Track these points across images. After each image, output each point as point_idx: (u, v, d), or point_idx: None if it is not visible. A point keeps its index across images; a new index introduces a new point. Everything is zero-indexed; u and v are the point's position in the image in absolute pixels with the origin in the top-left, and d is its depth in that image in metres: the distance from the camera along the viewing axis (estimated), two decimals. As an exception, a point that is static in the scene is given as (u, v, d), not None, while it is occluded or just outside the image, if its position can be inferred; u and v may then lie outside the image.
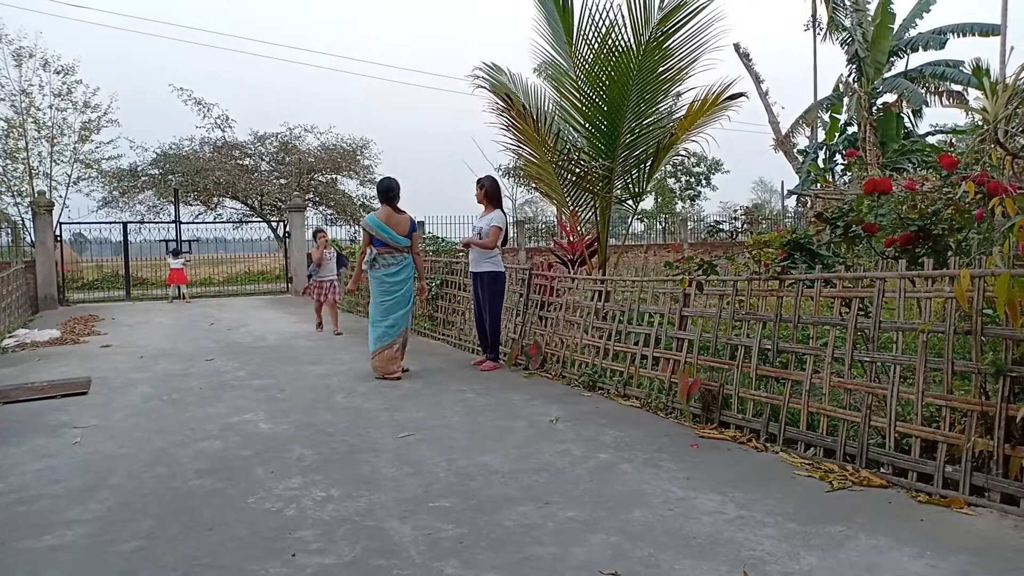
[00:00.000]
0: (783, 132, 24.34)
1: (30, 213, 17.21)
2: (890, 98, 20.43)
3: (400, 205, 7.25)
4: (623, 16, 6.52)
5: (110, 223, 19.78)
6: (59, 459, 4.61)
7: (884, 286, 4.14)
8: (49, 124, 20.72)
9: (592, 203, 7.86)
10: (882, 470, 3.93)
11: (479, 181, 7.58)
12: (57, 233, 17.03)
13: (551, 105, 7.86)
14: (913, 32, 21.51)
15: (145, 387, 6.89)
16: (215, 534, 3.38)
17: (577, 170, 7.57)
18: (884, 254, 4.75)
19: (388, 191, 7.22)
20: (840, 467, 4.06)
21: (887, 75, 21.25)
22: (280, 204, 23.00)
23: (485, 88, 7.56)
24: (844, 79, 21.42)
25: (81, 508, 3.74)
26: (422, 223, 21.18)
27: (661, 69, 6.92)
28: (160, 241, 19.52)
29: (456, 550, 3.14)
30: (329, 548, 3.19)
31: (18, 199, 20.33)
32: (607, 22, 6.59)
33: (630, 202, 8.25)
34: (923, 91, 20.74)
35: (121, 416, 5.76)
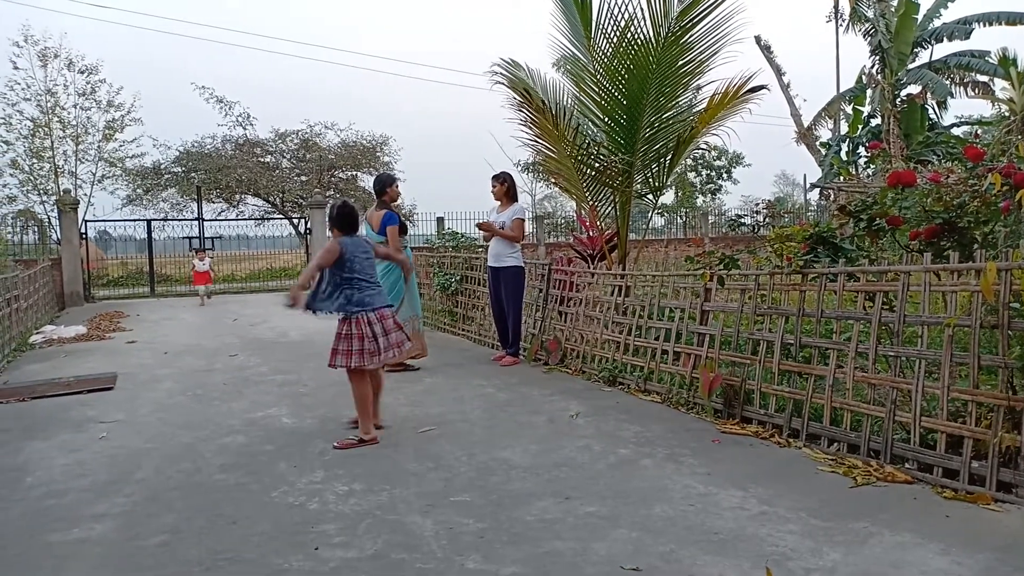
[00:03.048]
0: (805, 125, 24.11)
1: (56, 211, 17.44)
2: (914, 89, 20.16)
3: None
4: (642, 9, 6.48)
5: (134, 221, 20.02)
6: (86, 453, 4.68)
7: (909, 280, 4.09)
8: (74, 123, 20.96)
9: (612, 198, 7.83)
10: (907, 466, 3.89)
11: (498, 176, 7.57)
12: (82, 231, 17.27)
13: (570, 100, 7.83)
14: (937, 22, 21.18)
15: (170, 382, 6.97)
16: (239, 528, 3.42)
17: (596, 165, 7.54)
18: (908, 247, 4.69)
19: (374, 186, 7.40)
20: (864, 463, 4.02)
21: (911, 66, 20.95)
22: (301, 201, 23.13)
23: (503, 84, 7.55)
24: (867, 71, 21.15)
25: (108, 502, 3.80)
26: (441, 219, 21.24)
27: (681, 62, 6.87)
28: (183, 238, 19.65)
29: (477, 544, 3.15)
30: (352, 542, 3.22)
31: (44, 197, 20.60)
32: (626, 15, 6.56)
33: (650, 196, 8.20)
34: (948, 82, 20.41)
35: (146, 411, 5.83)
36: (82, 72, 20.82)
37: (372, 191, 7.44)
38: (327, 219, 5.21)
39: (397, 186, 7.34)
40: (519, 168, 29.07)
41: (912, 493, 3.62)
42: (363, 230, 7.30)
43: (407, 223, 7.45)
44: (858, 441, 4.17)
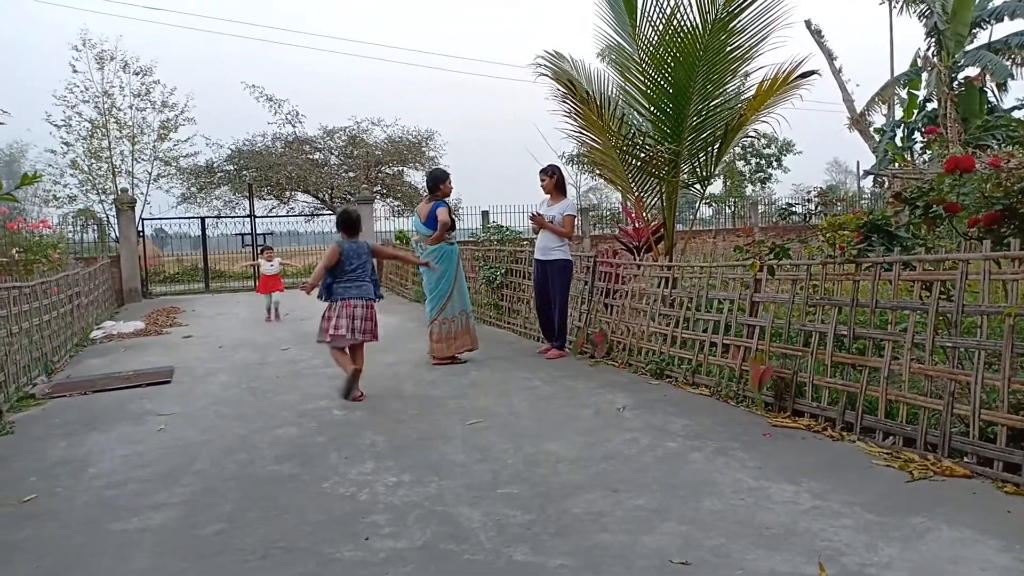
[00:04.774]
0: (858, 111, 23.48)
1: (114, 210, 17.96)
2: (972, 72, 19.46)
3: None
4: (688, -4, 6.39)
5: (189, 218, 20.51)
6: (145, 445, 4.83)
7: (967, 268, 3.96)
8: (130, 123, 21.53)
9: (658, 188, 7.76)
10: (965, 460, 3.78)
11: (547, 169, 7.55)
12: (139, 228, 17.76)
13: (614, 90, 7.77)
14: (997, 1, 20.42)
15: (224, 376, 7.14)
16: (292, 518, 3.49)
17: (642, 155, 7.47)
18: (967, 235, 4.55)
19: (427, 181, 7.49)
20: (921, 456, 3.92)
21: (969, 48, 20.23)
22: (349, 197, 23.42)
23: (547, 76, 7.52)
24: (922, 53, 20.51)
25: (167, 492, 3.91)
26: (486, 212, 21.31)
27: (728, 48, 6.76)
28: (236, 235, 20.00)
29: (525, 536, 3.16)
30: (401, 532, 3.26)
31: (102, 196, 21.23)
32: (671, 2, 6.48)
33: (697, 186, 8.09)
34: (1008, 63, 19.65)
35: (202, 404, 5.98)
36: (137, 74, 21.39)
37: (424, 186, 7.52)
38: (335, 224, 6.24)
39: (450, 182, 7.30)
40: (563, 160, 29.01)
41: (971, 488, 3.52)
42: (411, 223, 7.45)
43: (454, 218, 7.47)
44: (914, 434, 4.06)
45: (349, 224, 6.15)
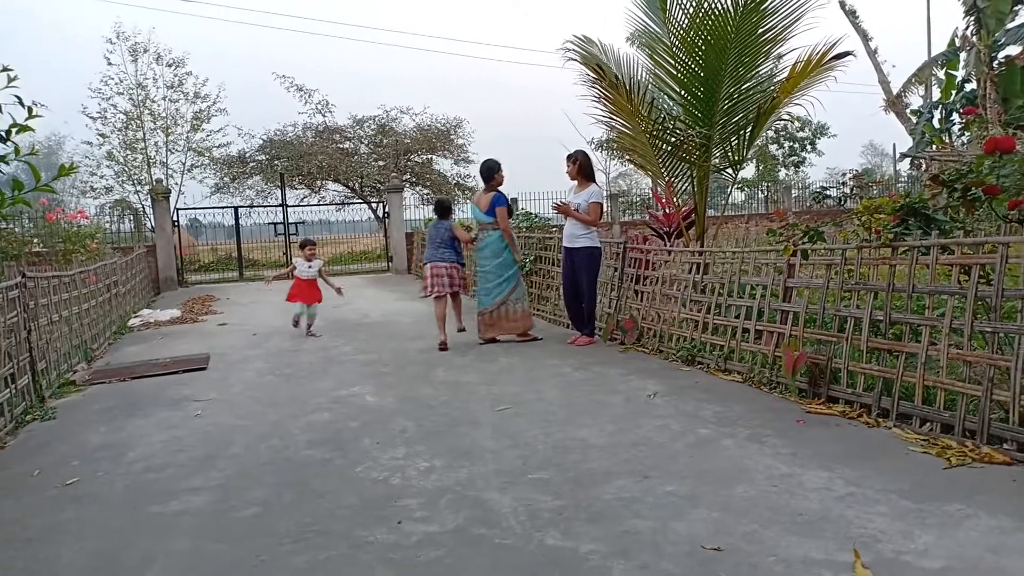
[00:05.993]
0: (894, 92, 22.99)
1: (149, 200, 18.25)
2: (1014, 50, 18.89)
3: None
4: (720, -22, 6.30)
5: (222, 208, 20.76)
6: (182, 430, 4.92)
7: (1007, 252, 3.87)
8: (163, 115, 21.85)
9: (689, 173, 7.68)
10: (1005, 446, 3.70)
11: (571, 156, 7.52)
12: (174, 218, 18.03)
13: (644, 74, 7.68)
14: (1041, -24, 19.81)
15: (259, 363, 7.24)
16: (326, 502, 3.54)
17: (673, 139, 7.40)
18: (1007, 218, 4.44)
19: (481, 172, 7.82)
20: (959, 443, 3.85)
21: (1010, 25, 19.62)
22: (379, 185, 23.55)
23: (576, 61, 7.46)
24: (961, 32, 19.99)
25: (204, 476, 3.99)
26: (515, 199, 21.29)
27: (760, 30, 6.65)
28: (269, 224, 20.19)
29: (556, 521, 3.17)
30: (433, 516, 3.29)
31: (138, 187, 21.61)
32: (702, -15, 6.39)
33: (729, 171, 8.00)
34: (1053, 40, 19.09)
35: (238, 390, 6.08)
36: (170, 65, 21.70)
37: (481, 173, 7.86)
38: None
39: (502, 172, 7.69)
40: (592, 146, 28.81)
41: (1011, 475, 3.46)
42: (468, 212, 7.84)
43: (511, 206, 7.87)
44: (952, 421, 3.99)
45: (439, 209, 8.05)
